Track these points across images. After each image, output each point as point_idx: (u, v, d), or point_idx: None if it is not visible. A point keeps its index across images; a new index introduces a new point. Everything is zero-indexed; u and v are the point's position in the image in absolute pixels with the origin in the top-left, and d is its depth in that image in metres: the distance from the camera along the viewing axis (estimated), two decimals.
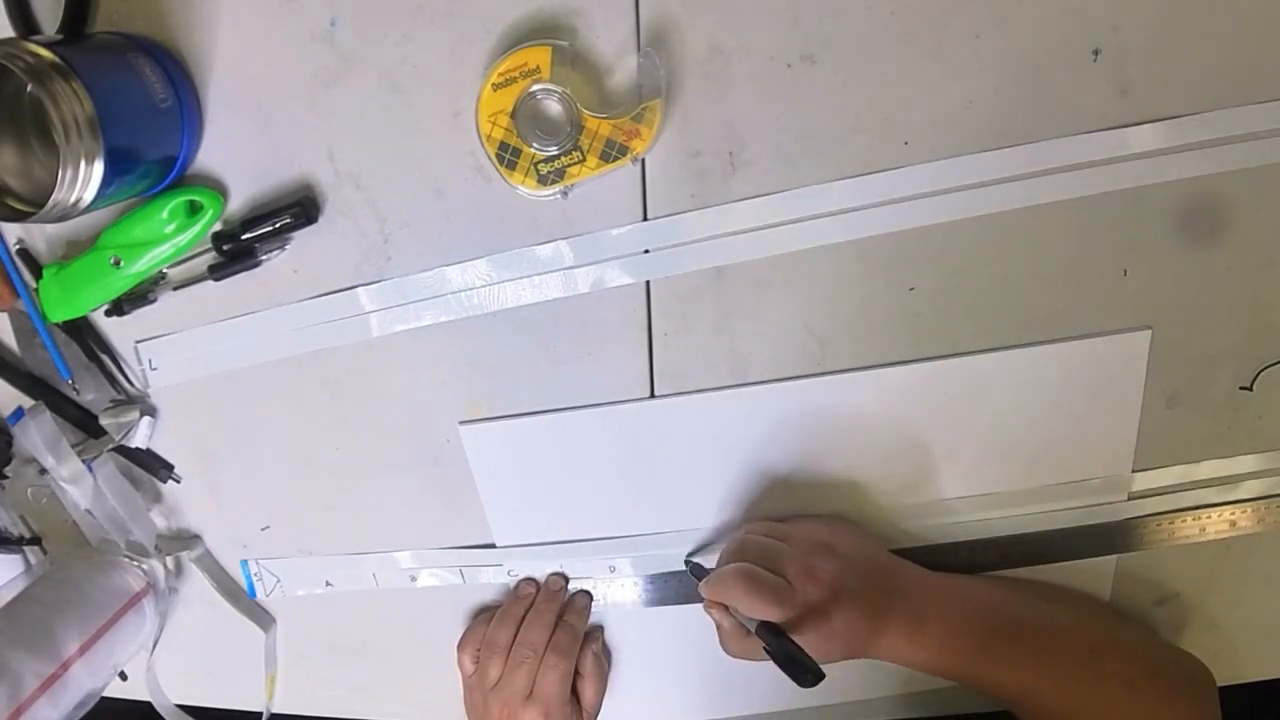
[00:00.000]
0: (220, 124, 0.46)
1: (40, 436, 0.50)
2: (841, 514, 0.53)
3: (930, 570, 0.50)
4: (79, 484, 0.52)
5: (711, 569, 0.50)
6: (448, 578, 0.57)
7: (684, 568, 0.55)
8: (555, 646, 0.53)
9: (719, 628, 0.50)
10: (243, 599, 0.59)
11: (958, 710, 0.59)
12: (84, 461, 0.51)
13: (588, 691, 0.55)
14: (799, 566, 0.46)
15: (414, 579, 0.57)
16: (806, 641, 0.43)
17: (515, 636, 0.53)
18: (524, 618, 0.54)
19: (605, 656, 0.58)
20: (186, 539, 0.58)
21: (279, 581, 0.58)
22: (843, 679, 0.59)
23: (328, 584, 0.58)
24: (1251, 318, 0.49)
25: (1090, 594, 0.55)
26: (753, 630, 0.44)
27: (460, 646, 0.56)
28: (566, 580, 0.56)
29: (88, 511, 0.53)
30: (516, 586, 0.56)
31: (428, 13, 0.43)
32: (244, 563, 0.57)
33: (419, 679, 0.61)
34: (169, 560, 0.57)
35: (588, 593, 0.57)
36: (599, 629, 0.58)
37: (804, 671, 0.42)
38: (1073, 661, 0.46)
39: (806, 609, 0.44)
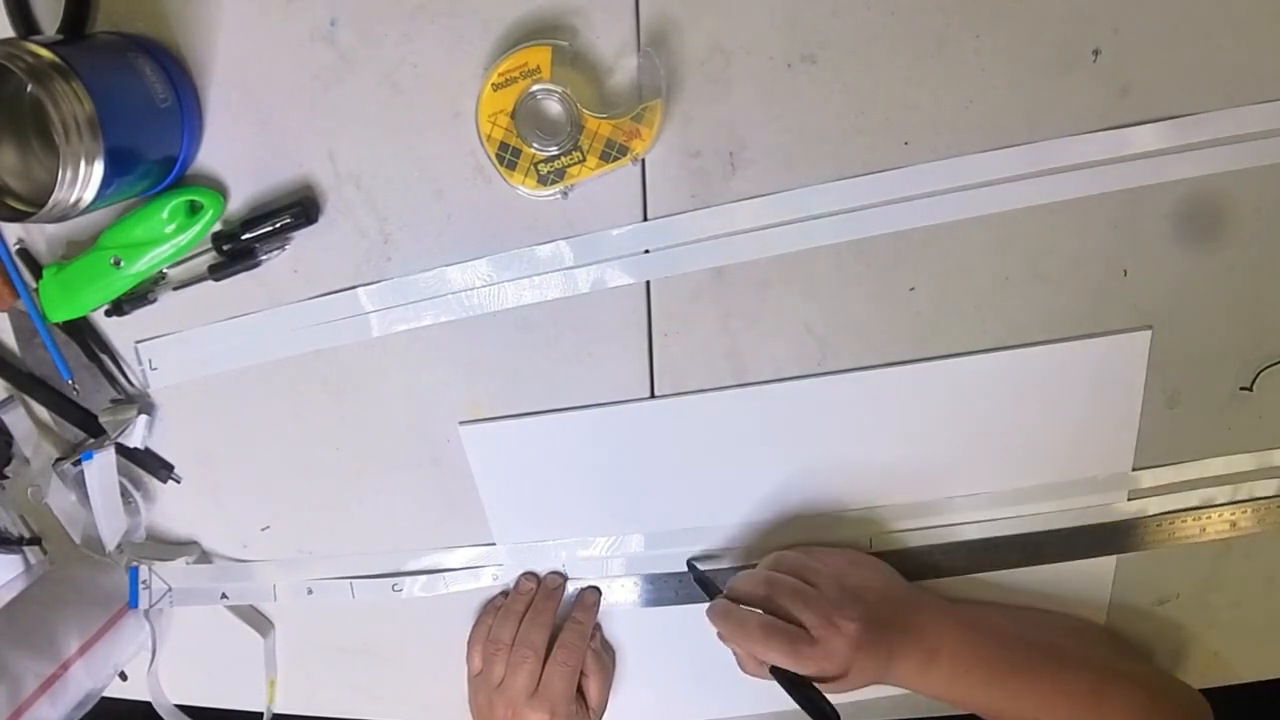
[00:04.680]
0: (220, 124, 0.46)
1: (14, 429, 0.51)
2: (858, 545, 0.53)
3: (945, 600, 0.51)
4: (42, 477, 0.53)
5: (717, 582, 0.51)
6: (435, 587, 0.57)
7: (684, 569, 0.55)
8: (563, 644, 0.53)
9: (734, 652, 0.50)
10: (241, 604, 0.59)
11: (958, 710, 0.59)
12: (80, 458, 0.51)
13: (592, 689, 0.55)
14: (822, 618, 0.45)
15: (398, 589, 0.57)
16: (821, 685, 0.45)
17: (517, 635, 0.53)
18: (525, 615, 0.54)
19: (608, 654, 0.58)
20: (184, 544, 0.58)
21: (169, 591, 0.57)
22: None
23: (310, 591, 0.57)
24: (1251, 318, 0.49)
25: (1092, 622, 0.56)
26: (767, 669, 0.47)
27: (470, 643, 0.56)
28: (565, 579, 0.56)
29: (46, 504, 0.53)
30: (518, 582, 0.56)
31: (428, 13, 0.43)
32: (132, 570, 0.56)
33: (419, 679, 0.61)
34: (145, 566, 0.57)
35: (596, 589, 0.57)
36: (596, 627, 0.58)
37: (821, 715, 0.45)
38: (1077, 697, 0.47)
39: (824, 661, 0.45)
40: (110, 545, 0.54)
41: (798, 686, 0.46)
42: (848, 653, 0.45)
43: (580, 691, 0.54)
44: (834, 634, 0.45)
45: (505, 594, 0.57)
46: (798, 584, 0.47)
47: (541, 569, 0.57)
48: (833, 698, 0.45)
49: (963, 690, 0.47)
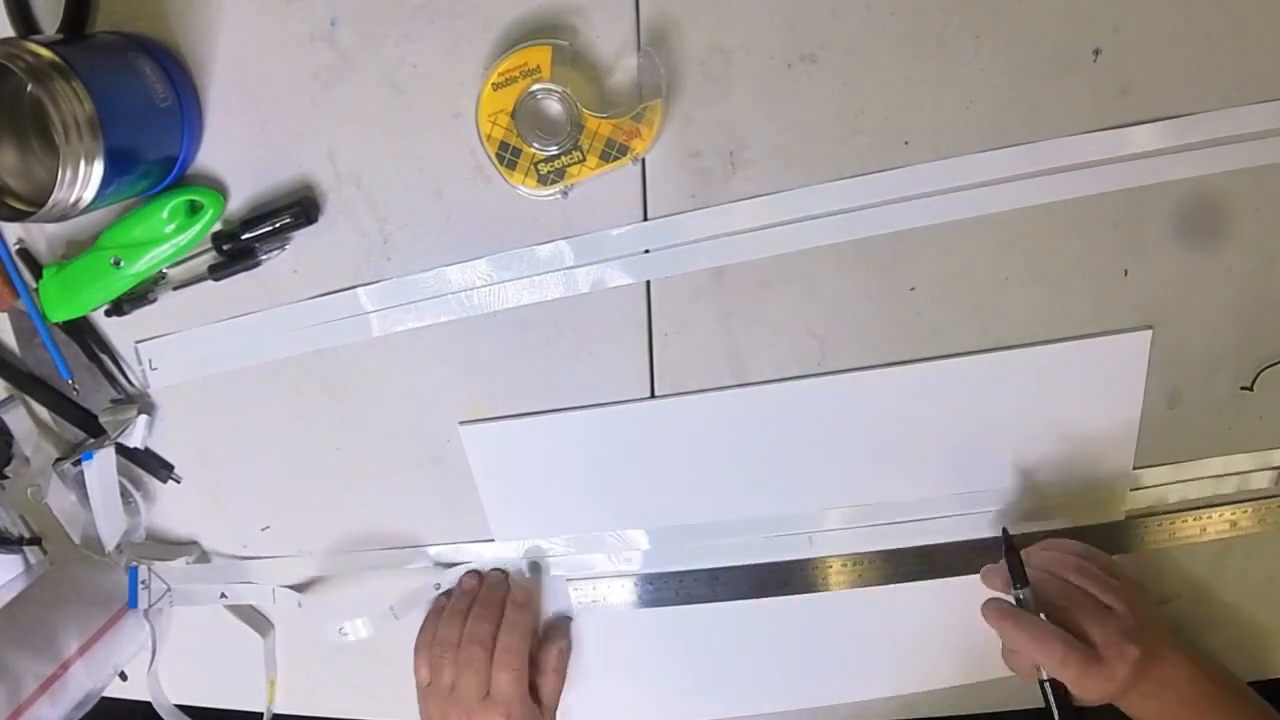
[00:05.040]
0: (220, 124, 0.46)
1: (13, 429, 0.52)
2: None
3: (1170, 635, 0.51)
4: (41, 477, 0.52)
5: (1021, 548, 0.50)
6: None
7: (684, 568, 0.55)
8: (503, 648, 0.51)
9: (1009, 649, 0.50)
10: (240, 604, 0.59)
11: (958, 710, 0.59)
12: (80, 458, 0.51)
13: (545, 687, 0.54)
14: (1116, 640, 0.46)
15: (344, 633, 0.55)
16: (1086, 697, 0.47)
17: (463, 634, 0.51)
18: (468, 614, 0.53)
19: (562, 647, 0.56)
20: (184, 544, 0.58)
21: (168, 591, 0.56)
22: (842, 680, 0.59)
23: (288, 593, 0.57)
24: (1251, 318, 0.49)
25: None
26: (1043, 675, 0.48)
27: (416, 651, 0.54)
28: (507, 574, 0.55)
29: (46, 504, 0.53)
30: (460, 581, 0.55)
31: (428, 13, 0.43)
32: (132, 570, 0.55)
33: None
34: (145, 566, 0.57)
35: (526, 585, 0.55)
36: (566, 621, 0.57)
37: None
38: None
39: (1107, 682, 0.46)
40: (110, 545, 0.53)
41: (1065, 707, 0.48)
42: (1127, 677, 0.46)
43: (533, 688, 0.53)
44: (1120, 659, 0.46)
45: (448, 594, 0.56)
46: (1098, 603, 0.48)
47: (540, 569, 0.57)
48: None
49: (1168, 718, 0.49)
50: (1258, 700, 0.51)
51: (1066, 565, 0.49)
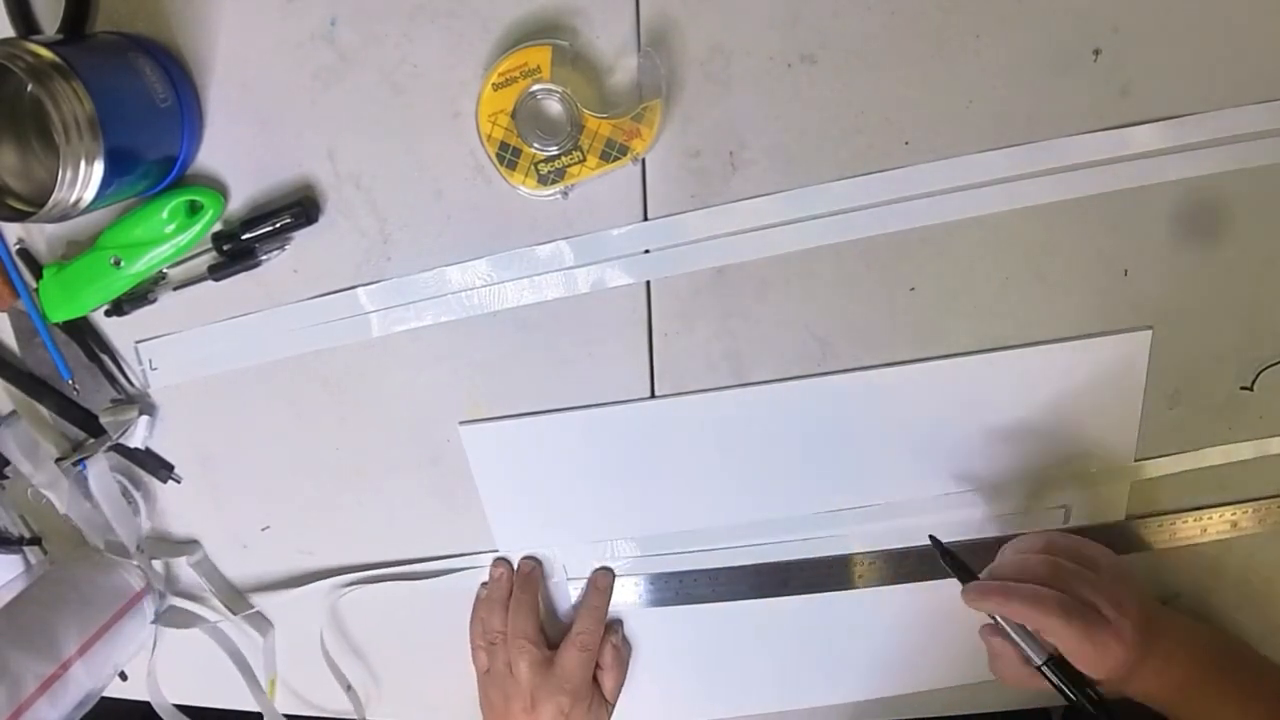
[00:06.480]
0: (220, 124, 0.46)
1: (16, 445, 0.51)
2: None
3: (1160, 605, 0.50)
4: (54, 489, 0.52)
5: (960, 555, 0.48)
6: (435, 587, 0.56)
7: (684, 568, 0.55)
8: (582, 630, 0.53)
9: (994, 654, 0.49)
10: (240, 605, 0.59)
11: (959, 710, 0.59)
12: (79, 460, 0.51)
13: (607, 682, 0.55)
14: (1110, 597, 0.44)
15: None
16: (1095, 670, 0.44)
17: (508, 626, 0.53)
18: (508, 601, 0.54)
19: (626, 649, 0.58)
20: (185, 544, 0.58)
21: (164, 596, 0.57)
22: (843, 680, 0.59)
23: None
24: (1251, 318, 0.49)
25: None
26: (1039, 662, 0.45)
27: (471, 641, 0.56)
28: (539, 561, 0.56)
29: (65, 515, 0.53)
30: (490, 571, 0.56)
31: (428, 13, 0.43)
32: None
33: (419, 679, 0.61)
34: (158, 564, 0.57)
35: (608, 570, 0.56)
36: (618, 622, 0.58)
37: (1106, 714, 0.44)
38: (1270, 700, 0.48)
39: (1116, 644, 0.44)
40: (132, 546, 0.54)
41: (1077, 683, 0.45)
42: (1134, 639, 0.44)
43: (597, 683, 0.55)
44: (1124, 615, 0.44)
45: (486, 584, 0.57)
46: (1082, 569, 0.46)
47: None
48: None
49: (1182, 695, 0.47)
50: (1268, 664, 0.49)
51: (1033, 555, 0.48)
